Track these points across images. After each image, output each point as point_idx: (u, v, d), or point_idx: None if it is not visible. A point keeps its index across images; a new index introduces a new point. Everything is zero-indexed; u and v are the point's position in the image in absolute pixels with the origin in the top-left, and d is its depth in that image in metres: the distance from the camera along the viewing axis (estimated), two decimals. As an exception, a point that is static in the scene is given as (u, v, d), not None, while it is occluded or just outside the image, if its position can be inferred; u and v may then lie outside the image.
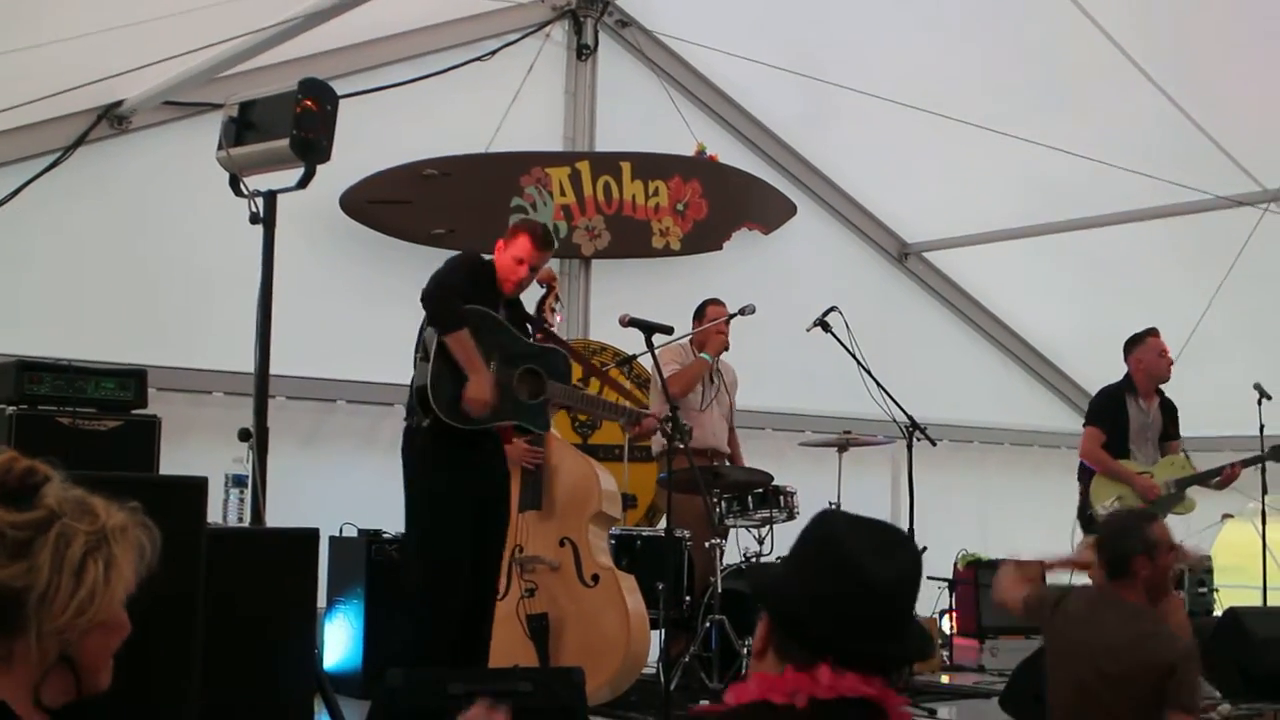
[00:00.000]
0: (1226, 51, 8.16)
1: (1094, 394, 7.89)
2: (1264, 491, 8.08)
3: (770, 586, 2.29)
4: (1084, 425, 7.94)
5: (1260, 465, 7.84)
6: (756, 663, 2.20)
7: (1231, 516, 8.36)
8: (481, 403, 5.50)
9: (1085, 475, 7.81)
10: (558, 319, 6.39)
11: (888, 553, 2.13)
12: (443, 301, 5.52)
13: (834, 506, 8.03)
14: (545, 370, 5.82)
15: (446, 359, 5.51)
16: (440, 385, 5.51)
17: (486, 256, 5.93)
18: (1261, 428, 7.94)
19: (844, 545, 2.14)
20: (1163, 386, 7.83)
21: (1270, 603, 8.19)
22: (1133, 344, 7.84)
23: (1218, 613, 8.27)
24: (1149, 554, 4.63)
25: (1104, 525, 5.23)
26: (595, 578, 6.25)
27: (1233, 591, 9.77)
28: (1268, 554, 8.41)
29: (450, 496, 5.60)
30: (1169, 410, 7.87)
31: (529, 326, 6.02)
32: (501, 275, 5.85)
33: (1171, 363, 7.78)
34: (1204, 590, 9.02)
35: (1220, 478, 7.73)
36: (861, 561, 2.11)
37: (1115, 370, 7.90)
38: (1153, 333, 7.83)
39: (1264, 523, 8.36)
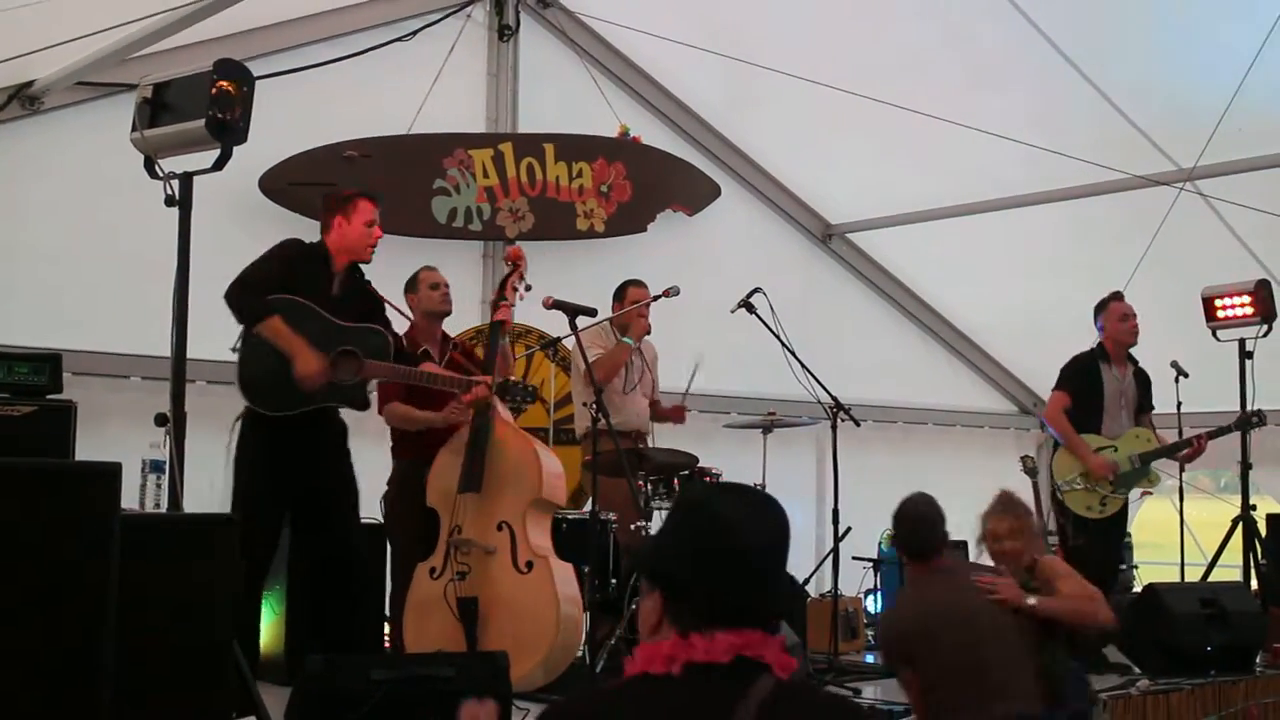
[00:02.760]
0: (1142, 34, 8.26)
1: (1012, 373, 7.93)
2: (1181, 469, 8.19)
3: (650, 555, 2.42)
4: (1053, 390, 7.92)
5: (1227, 435, 7.92)
6: (652, 638, 2.28)
7: (1150, 494, 8.47)
8: (314, 375, 5.65)
9: (1054, 450, 7.86)
10: (519, 298, 6.45)
11: (757, 512, 2.29)
12: (242, 297, 5.66)
13: (759, 486, 8.10)
14: (362, 349, 5.88)
15: (254, 348, 5.67)
16: (248, 375, 5.69)
17: (308, 241, 6.05)
18: (1179, 405, 8.04)
19: (715, 508, 2.29)
20: (1136, 355, 7.88)
21: (1188, 579, 8.32)
22: (1098, 310, 7.85)
23: (1137, 589, 8.38)
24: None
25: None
26: (529, 565, 6.15)
27: (1151, 568, 9.92)
28: (1185, 531, 8.53)
29: (261, 489, 5.75)
30: (1143, 380, 7.92)
31: (374, 302, 6.15)
32: (358, 246, 6.01)
33: (1135, 328, 7.78)
34: (1124, 567, 9.13)
35: (1187, 451, 7.79)
36: (732, 521, 2.25)
37: (1036, 349, 7.97)
38: (1115, 297, 7.84)
39: (1181, 499, 8.48)
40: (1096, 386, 7.74)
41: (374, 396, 6.40)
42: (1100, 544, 7.64)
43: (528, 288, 6.63)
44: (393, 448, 6.77)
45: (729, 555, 2.22)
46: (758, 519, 2.27)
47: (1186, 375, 8.11)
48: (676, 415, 7.94)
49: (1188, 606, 7.11)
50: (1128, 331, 7.74)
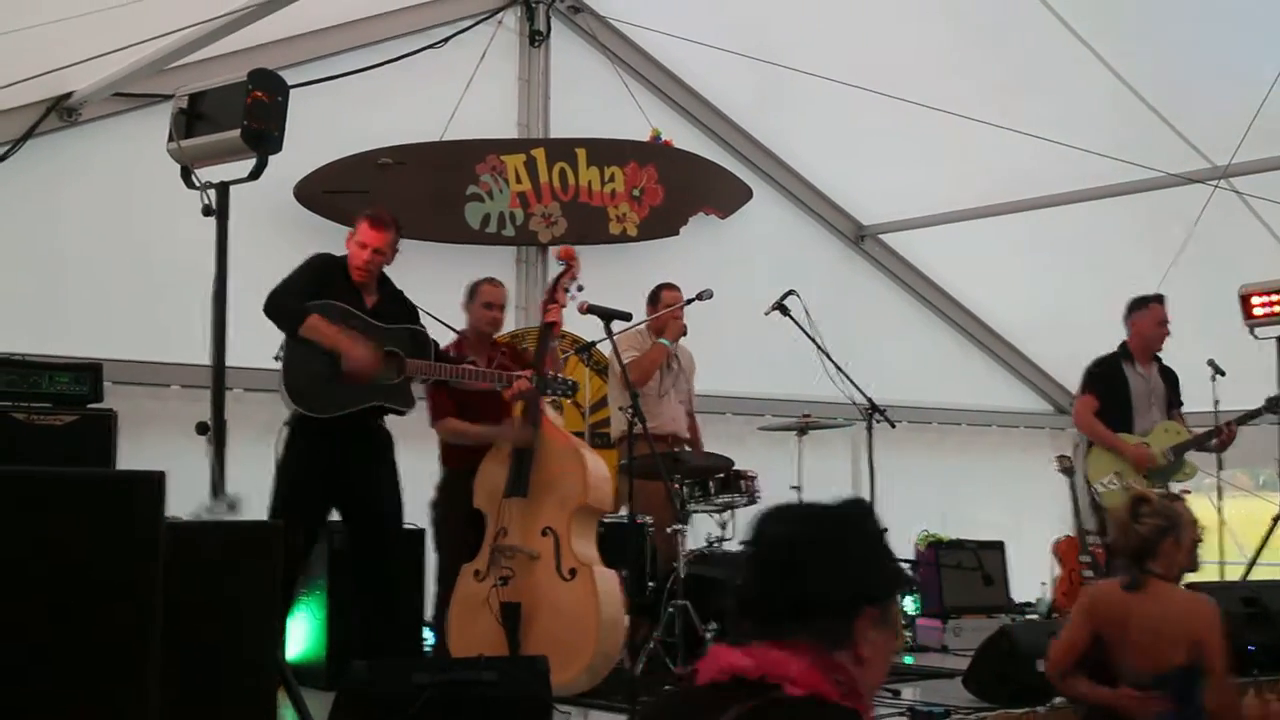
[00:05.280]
0: (1175, 29, 8.21)
1: (1048, 373, 7.92)
2: (1219, 467, 8.15)
3: None
4: (1078, 394, 7.92)
5: (1258, 424, 7.89)
6: None
7: (1189, 492, 8.41)
8: (367, 363, 5.78)
9: (1088, 450, 7.84)
10: (569, 299, 6.48)
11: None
12: (280, 305, 5.80)
13: (795, 489, 8.09)
14: (403, 349, 5.98)
15: (296, 354, 5.79)
16: (293, 380, 5.80)
17: (338, 254, 6.14)
18: (1216, 403, 8.00)
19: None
20: (1170, 353, 7.88)
21: (1227, 577, 8.26)
22: (1135, 307, 7.87)
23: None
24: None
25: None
26: (573, 572, 6.16)
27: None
28: (1224, 529, 8.49)
29: (299, 489, 5.84)
30: (1169, 377, 7.92)
31: (408, 311, 6.24)
32: (351, 263, 6.08)
33: (1168, 334, 7.80)
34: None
35: (1218, 439, 7.77)
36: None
37: (1071, 349, 7.93)
38: (1158, 299, 7.87)
39: (1219, 498, 8.43)
40: (1122, 386, 7.76)
41: (424, 406, 6.46)
42: None
43: (579, 288, 6.64)
44: (441, 455, 6.82)
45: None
46: (781, 517, 2.30)
47: (1223, 374, 8.07)
48: (695, 447, 7.92)
49: (1229, 606, 7.02)
50: (1159, 337, 7.78)
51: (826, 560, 2.20)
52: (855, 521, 2.29)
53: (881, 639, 2.22)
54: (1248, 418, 7.81)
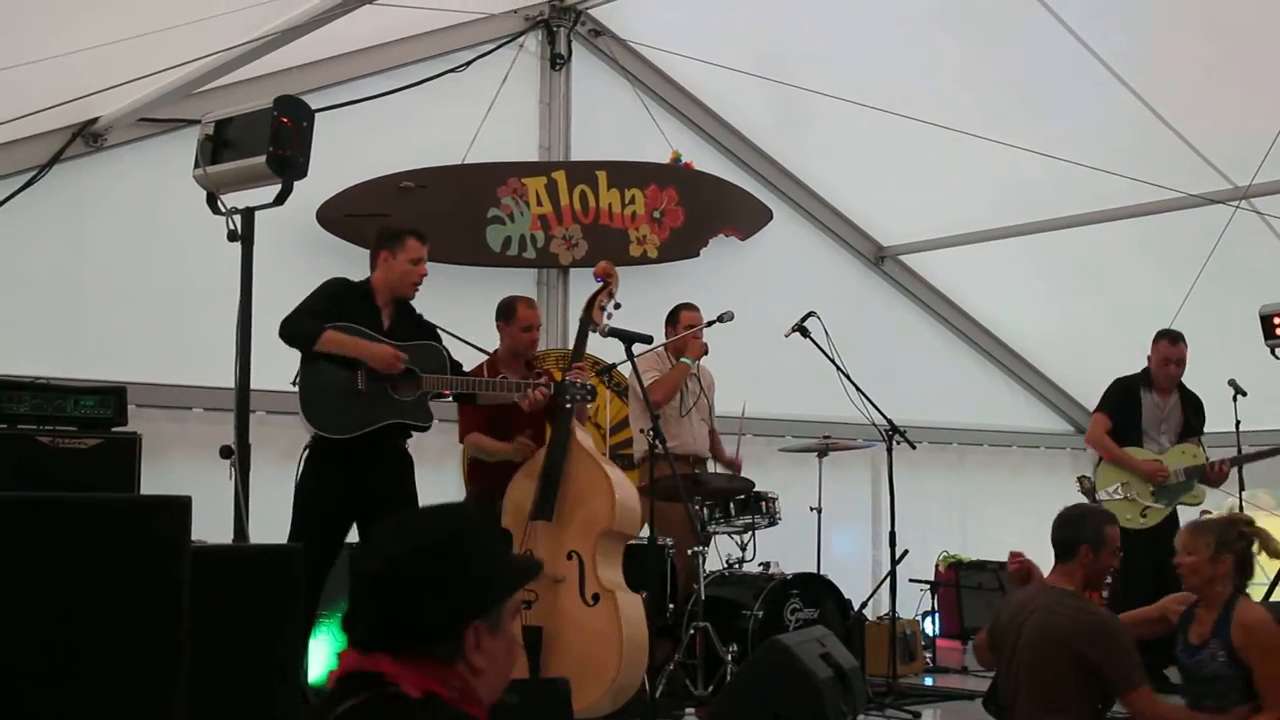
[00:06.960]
0: (1195, 50, 8.22)
1: (1068, 394, 8.00)
2: (1240, 489, 8.13)
3: None
4: (1093, 411, 8.05)
5: (1237, 465, 7.92)
6: None
7: (1209, 512, 8.38)
8: (390, 356, 5.82)
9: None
10: (606, 317, 6.48)
11: (388, 535, 2.35)
12: (295, 326, 5.81)
13: (815, 510, 8.11)
14: (418, 365, 5.98)
15: (312, 375, 5.81)
16: (311, 401, 5.82)
17: (355, 279, 6.16)
18: (1238, 424, 7.99)
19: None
20: (1194, 373, 7.95)
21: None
22: (1155, 339, 8.01)
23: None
24: (1095, 547, 4.93)
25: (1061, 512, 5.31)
26: (596, 597, 6.13)
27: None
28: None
29: (318, 511, 5.87)
30: (1192, 404, 7.97)
31: (427, 331, 6.25)
32: (401, 282, 6.11)
33: (1173, 374, 7.94)
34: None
35: (1212, 474, 7.81)
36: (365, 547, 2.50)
37: (1092, 369, 7.95)
38: (1170, 338, 7.96)
39: (1241, 519, 8.40)
40: (1135, 410, 7.87)
41: (441, 424, 6.46)
42: (1142, 557, 7.52)
43: (616, 305, 6.65)
44: (466, 474, 6.85)
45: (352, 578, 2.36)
46: (380, 543, 2.34)
47: (1245, 394, 8.07)
48: (733, 467, 7.93)
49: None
50: (1166, 376, 7.92)
51: (421, 595, 2.23)
52: (448, 543, 2.29)
53: (497, 644, 2.29)
54: (1234, 463, 7.84)
